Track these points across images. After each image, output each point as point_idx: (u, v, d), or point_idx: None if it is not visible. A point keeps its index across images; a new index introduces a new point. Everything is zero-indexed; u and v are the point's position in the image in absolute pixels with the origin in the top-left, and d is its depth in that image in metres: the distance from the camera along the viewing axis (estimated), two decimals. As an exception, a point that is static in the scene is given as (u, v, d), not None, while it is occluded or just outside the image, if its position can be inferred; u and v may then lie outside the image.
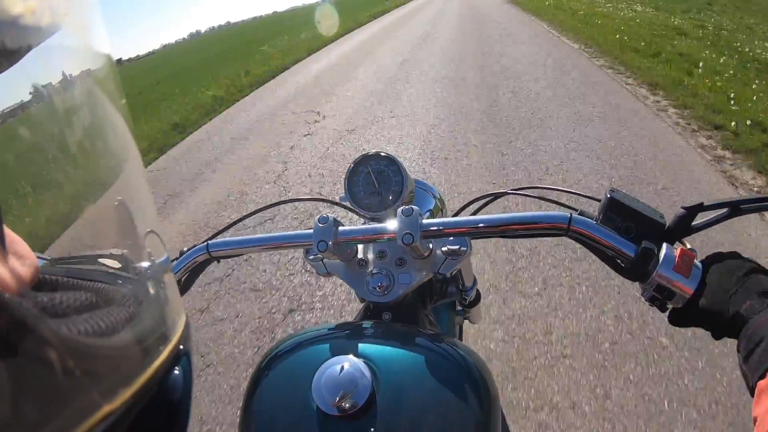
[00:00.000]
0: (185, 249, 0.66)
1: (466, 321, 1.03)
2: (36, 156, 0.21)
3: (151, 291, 0.27)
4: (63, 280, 0.22)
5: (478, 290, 0.90)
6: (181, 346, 0.27)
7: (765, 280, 0.40)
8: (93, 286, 0.22)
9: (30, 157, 0.21)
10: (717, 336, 0.43)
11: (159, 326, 0.24)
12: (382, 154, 0.68)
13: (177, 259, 0.65)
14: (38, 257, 0.31)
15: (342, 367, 0.42)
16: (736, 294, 0.41)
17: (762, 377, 0.34)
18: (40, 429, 0.15)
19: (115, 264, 0.32)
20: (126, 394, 0.19)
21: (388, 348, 0.47)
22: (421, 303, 0.70)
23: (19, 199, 0.22)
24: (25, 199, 0.23)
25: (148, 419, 0.22)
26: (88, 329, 0.17)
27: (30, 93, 0.19)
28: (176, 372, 0.26)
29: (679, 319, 0.47)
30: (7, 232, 0.18)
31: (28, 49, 0.17)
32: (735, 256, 0.46)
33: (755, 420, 0.33)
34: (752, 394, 0.35)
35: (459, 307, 0.94)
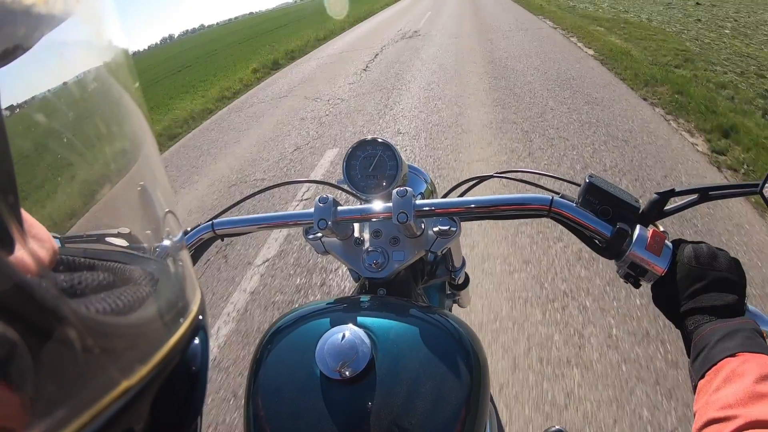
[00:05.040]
0: (188, 229, 0.68)
1: (455, 305, 1.07)
2: (52, 142, 0.21)
3: (168, 270, 0.28)
4: (81, 261, 0.22)
5: (466, 273, 0.92)
6: (200, 317, 0.27)
7: (719, 296, 0.45)
8: (111, 266, 0.23)
9: (46, 144, 0.21)
10: (671, 321, 0.49)
11: (176, 304, 0.25)
12: (379, 140, 0.71)
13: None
14: (51, 236, 0.32)
15: (343, 336, 0.45)
16: (691, 302, 0.46)
17: (702, 377, 0.40)
18: (61, 405, 0.15)
19: (123, 242, 0.32)
20: (144, 370, 0.19)
21: (386, 318, 0.50)
22: (414, 281, 0.72)
23: (38, 184, 0.22)
24: (45, 184, 0.23)
25: (167, 394, 0.22)
26: (106, 308, 0.18)
27: (44, 81, 0.19)
28: (194, 345, 0.26)
29: (653, 294, 0.51)
30: (25, 215, 0.18)
31: (41, 35, 0.17)
32: (704, 243, 0.49)
33: (695, 413, 0.38)
34: (694, 392, 0.41)
35: (448, 291, 0.97)
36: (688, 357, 0.45)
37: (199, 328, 0.27)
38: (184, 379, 0.25)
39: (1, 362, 0.13)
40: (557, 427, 0.82)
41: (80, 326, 0.15)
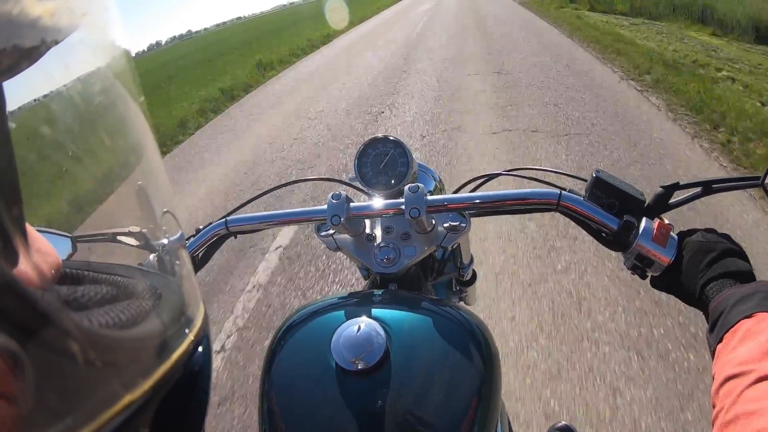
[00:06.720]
0: (200, 227, 0.69)
1: (461, 302, 1.06)
2: (57, 148, 0.21)
3: (171, 283, 0.28)
4: (84, 274, 0.22)
5: (474, 270, 0.93)
6: (204, 330, 0.27)
7: (732, 262, 0.45)
8: (114, 279, 0.22)
9: (51, 149, 0.21)
10: (687, 303, 0.49)
11: (179, 317, 0.25)
12: (391, 138, 0.72)
13: (194, 236, 0.68)
14: (62, 235, 0.31)
15: (359, 327, 0.46)
16: (706, 272, 0.46)
17: (720, 342, 0.40)
18: (63, 419, 0.15)
19: (133, 241, 0.33)
20: (147, 384, 0.19)
21: (399, 311, 0.51)
22: (423, 276, 0.73)
23: (44, 188, 0.22)
24: (50, 188, 0.23)
25: (169, 407, 0.22)
26: (109, 321, 0.18)
27: (48, 87, 0.19)
28: (196, 358, 0.26)
29: (658, 284, 0.53)
30: (29, 229, 0.18)
31: (47, 49, 0.17)
32: (711, 231, 0.50)
33: (713, 376, 0.38)
34: (713, 357, 0.41)
35: (456, 288, 0.97)
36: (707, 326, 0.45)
37: (202, 340, 0.27)
38: (186, 391, 0.25)
39: (3, 374, 0.13)
40: (563, 422, 0.83)
41: (83, 339, 0.15)
